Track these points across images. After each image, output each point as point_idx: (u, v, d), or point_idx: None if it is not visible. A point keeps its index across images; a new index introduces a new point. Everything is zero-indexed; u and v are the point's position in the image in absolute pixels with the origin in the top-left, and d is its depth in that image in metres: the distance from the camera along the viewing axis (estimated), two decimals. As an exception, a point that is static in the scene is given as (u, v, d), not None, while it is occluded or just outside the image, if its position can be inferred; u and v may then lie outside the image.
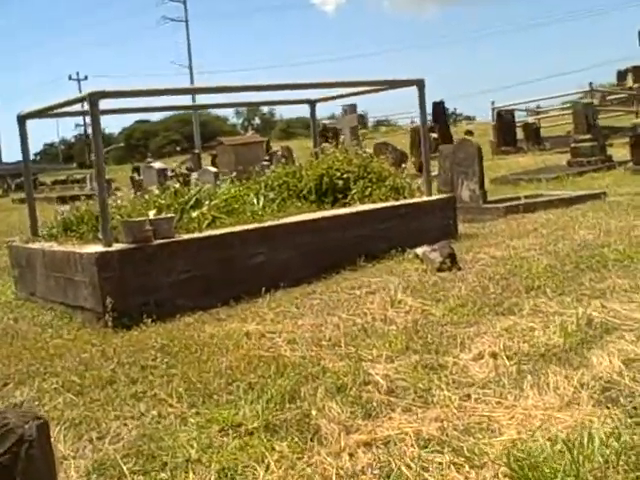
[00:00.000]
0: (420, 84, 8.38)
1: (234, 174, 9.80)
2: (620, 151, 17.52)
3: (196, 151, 34.24)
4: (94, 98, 6.17)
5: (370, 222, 7.49)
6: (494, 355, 4.22)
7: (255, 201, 7.98)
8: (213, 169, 11.84)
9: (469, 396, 3.70)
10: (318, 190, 8.32)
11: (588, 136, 15.46)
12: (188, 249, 6.21)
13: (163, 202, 7.10)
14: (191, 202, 7.26)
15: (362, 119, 17.69)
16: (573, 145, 15.72)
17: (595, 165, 15.00)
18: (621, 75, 40.14)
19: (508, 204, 9.84)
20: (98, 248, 5.98)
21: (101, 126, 6.42)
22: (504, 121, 23.75)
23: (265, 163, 17.02)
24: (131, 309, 5.77)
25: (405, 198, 8.29)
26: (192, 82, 58.02)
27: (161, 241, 6.10)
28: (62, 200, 21.48)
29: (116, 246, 6.00)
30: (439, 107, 26.59)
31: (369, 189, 8.23)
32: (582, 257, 6.41)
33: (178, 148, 59.54)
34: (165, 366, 4.44)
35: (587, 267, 6.07)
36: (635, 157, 13.99)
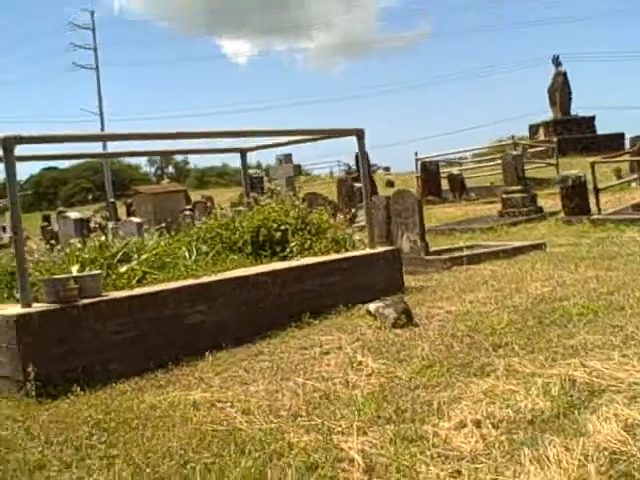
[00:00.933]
0: (360, 134, 8.17)
1: (163, 224, 9.32)
2: (547, 202, 17.81)
3: (112, 200, 33.38)
4: (9, 143, 5.66)
5: (313, 276, 7.14)
6: (478, 423, 3.89)
7: (187, 255, 7.53)
8: (136, 219, 11.29)
9: (460, 472, 3.36)
10: (255, 242, 7.94)
11: (518, 187, 15.62)
12: (118, 309, 5.70)
13: (87, 256, 6.57)
14: (118, 256, 6.76)
15: (299, 169, 17.33)
16: (504, 196, 15.85)
17: (527, 216, 15.13)
18: (533, 129, 41.75)
19: (450, 255, 9.67)
20: (16, 309, 5.42)
21: (16, 174, 5.90)
22: (429, 172, 23.96)
23: (187, 213, 16.53)
24: (57, 376, 5.22)
25: (347, 250, 7.99)
26: (103, 129, 56.91)
27: (87, 300, 5.58)
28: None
29: (36, 306, 5.44)
30: (362, 157, 26.68)
31: (309, 241, 7.90)
32: (543, 312, 6.21)
33: (90, 197, 58.20)
34: (104, 446, 3.92)
35: (551, 322, 5.87)
36: (566, 208, 14.15)
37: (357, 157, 27.74)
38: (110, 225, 26.58)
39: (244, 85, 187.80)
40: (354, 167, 32.10)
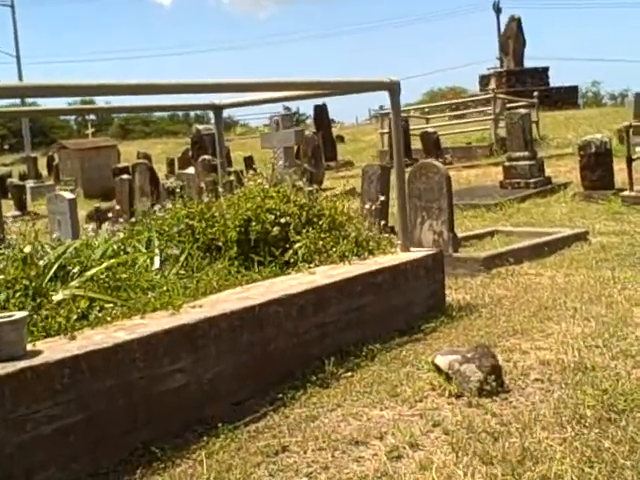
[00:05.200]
0: (393, 88, 6.21)
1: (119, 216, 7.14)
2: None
3: (32, 155, 30.58)
4: None
5: (339, 301, 5.15)
6: None
7: (149, 262, 5.46)
8: (68, 195, 8.90)
9: None
10: (243, 242, 5.90)
11: (525, 153, 13.77)
12: (55, 378, 3.63)
13: (1, 277, 4.42)
14: (50, 274, 4.63)
15: (294, 123, 14.85)
16: (507, 163, 13.97)
17: (535, 188, 13.30)
18: (484, 80, 40.31)
19: (487, 254, 7.74)
20: None
21: None
22: (398, 129, 21.95)
23: (125, 177, 14.23)
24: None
25: (372, 254, 6.01)
26: (20, 72, 53.47)
27: (3, 369, 3.50)
28: None
29: None
30: (322, 111, 24.54)
31: (321, 242, 5.89)
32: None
33: (6, 146, 54.65)
34: None
35: None
36: (586, 181, 12.40)
37: (315, 110, 25.61)
38: (29, 184, 24.01)
39: (169, 27, 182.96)
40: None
